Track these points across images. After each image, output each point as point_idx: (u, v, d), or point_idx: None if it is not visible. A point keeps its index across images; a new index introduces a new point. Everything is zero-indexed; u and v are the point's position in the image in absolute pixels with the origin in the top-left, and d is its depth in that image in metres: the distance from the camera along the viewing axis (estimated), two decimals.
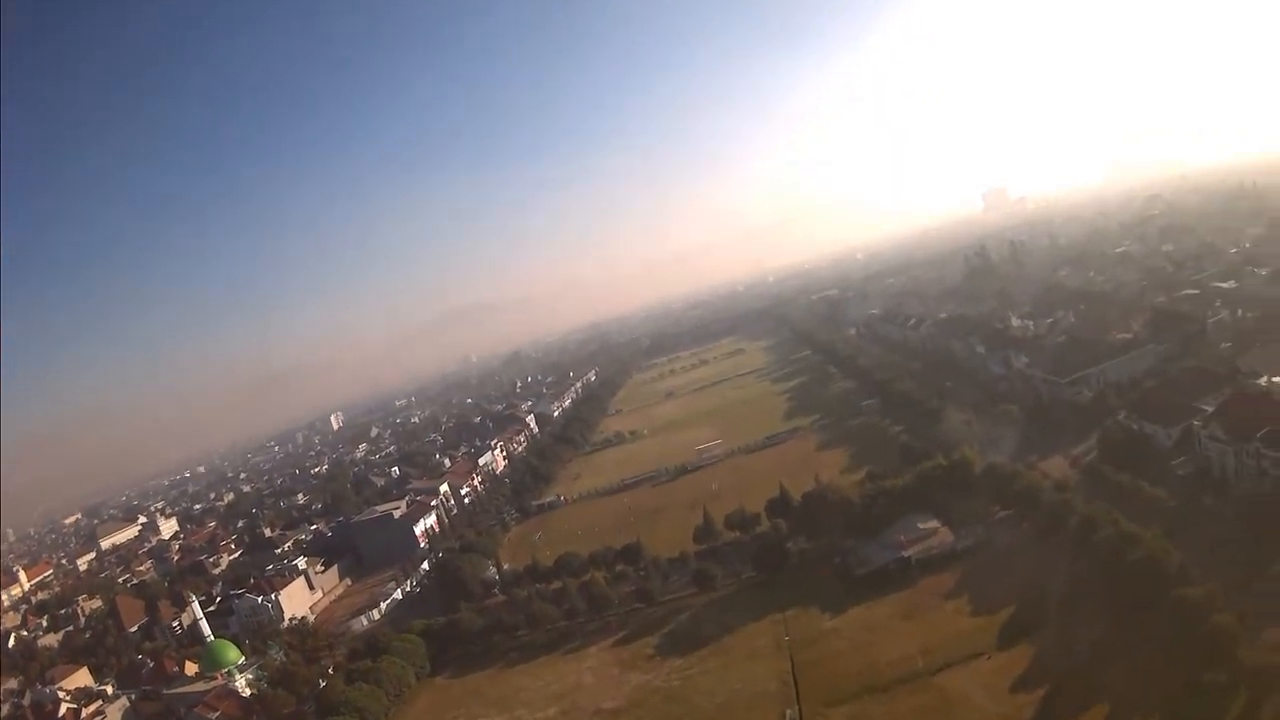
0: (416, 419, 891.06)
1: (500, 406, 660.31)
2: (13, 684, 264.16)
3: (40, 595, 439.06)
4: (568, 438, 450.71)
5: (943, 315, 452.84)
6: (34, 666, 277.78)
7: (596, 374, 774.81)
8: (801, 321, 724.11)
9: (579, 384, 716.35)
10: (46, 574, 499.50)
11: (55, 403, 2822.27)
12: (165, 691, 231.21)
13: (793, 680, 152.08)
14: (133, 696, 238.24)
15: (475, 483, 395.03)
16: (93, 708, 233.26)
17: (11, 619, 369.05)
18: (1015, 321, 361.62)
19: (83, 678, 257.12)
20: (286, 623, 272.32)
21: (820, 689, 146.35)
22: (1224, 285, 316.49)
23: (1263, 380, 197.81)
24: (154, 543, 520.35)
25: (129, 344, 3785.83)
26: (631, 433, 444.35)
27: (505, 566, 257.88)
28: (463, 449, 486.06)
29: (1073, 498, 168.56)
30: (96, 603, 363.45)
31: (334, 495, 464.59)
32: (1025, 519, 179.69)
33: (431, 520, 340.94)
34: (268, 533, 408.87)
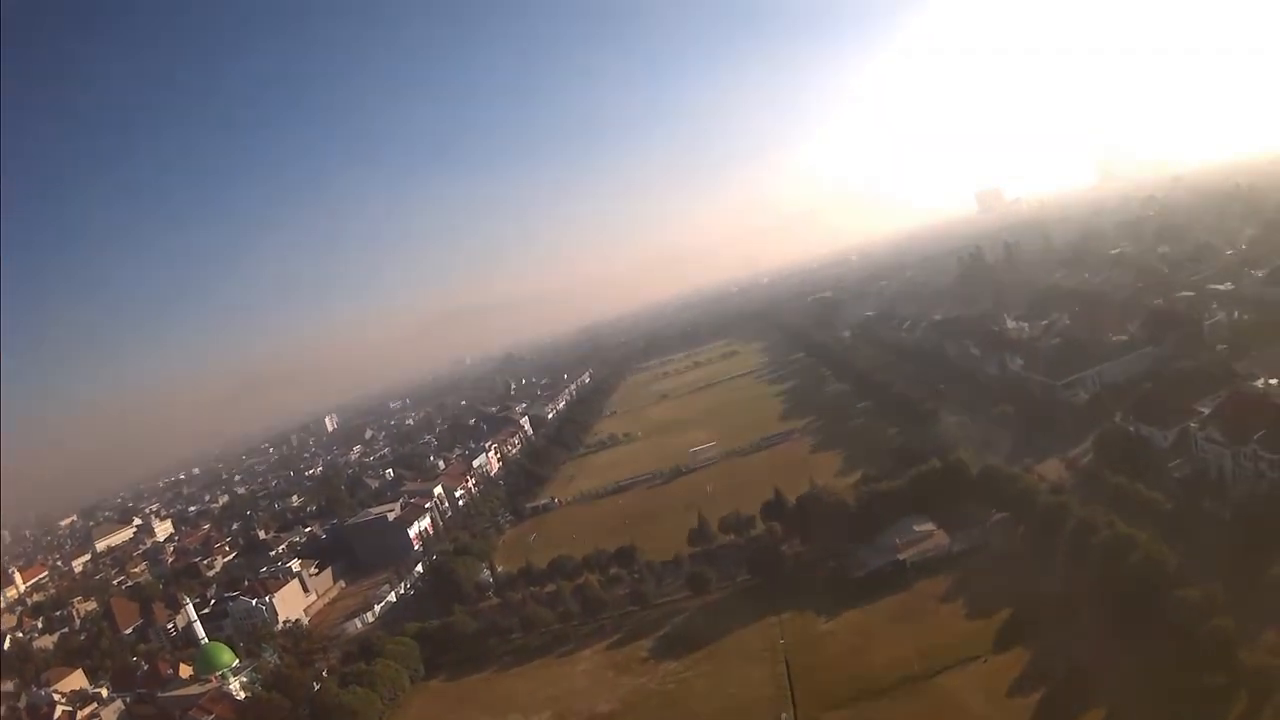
0: (411, 421, 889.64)
1: (494, 408, 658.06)
2: (9, 686, 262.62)
3: (35, 597, 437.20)
4: (562, 440, 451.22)
5: (937, 317, 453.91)
6: (29, 669, 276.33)
7: (591, 376, 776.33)
8: (796, 323, 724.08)
9: (573, 386, 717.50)
10: (42, 575, 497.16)
11: (51, 403, 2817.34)
12: (160, 694, 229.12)
13: (788, 684, 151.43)
14: (127, 699, 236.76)
15: (469, 485, 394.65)
16: (87, 711, 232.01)
17: (7, 620, 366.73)
18: (1010, 323, 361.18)
19: (78, 680, 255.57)
20: (281, 625, 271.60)
21: (816, 693, 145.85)
22: (1220, 287, 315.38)
23: (1259, 382, 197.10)
24: (149, 545, 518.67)
25: (125, 344, 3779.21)
26: (626, 435, 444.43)
27: (499, 569, 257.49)
28: (457, 451, 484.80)
29: (1069, 500, 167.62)
30: (91, 605, 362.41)
31: (328, 497, 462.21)
32: (1021, 522, 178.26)
33: (426, 523, 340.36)
34: (262, 535, 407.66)
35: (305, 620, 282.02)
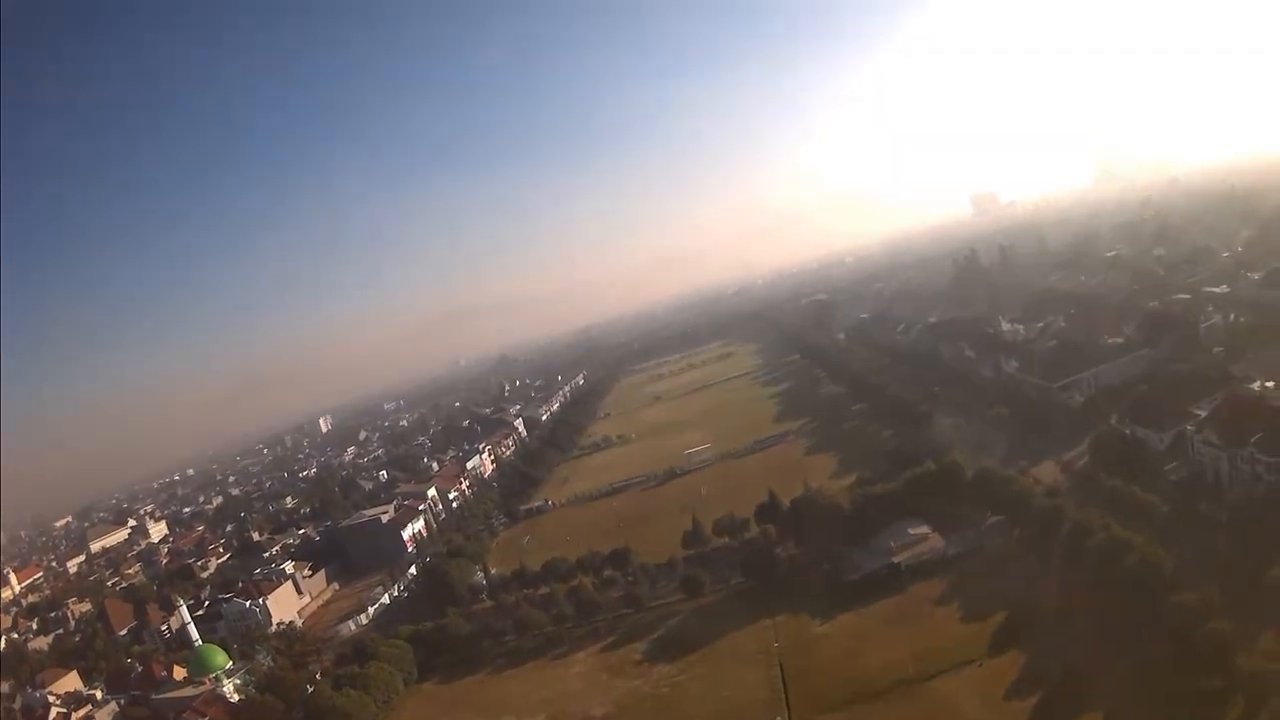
0: (405, 422, 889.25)
1: (488, 410, 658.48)
2: (4, 688, 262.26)
3: (30, 598, 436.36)
4: (556, 442, 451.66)
5: (932, 319, 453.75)
6: (24, 670, 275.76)
7: (585, 377, 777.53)
8: (790, 325, 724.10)
9: (567, 387, 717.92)
10: (37, 576, 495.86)
11: (47, 403, 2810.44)
12: (154, 696, 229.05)
13: (782, 687, 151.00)
14: (122, 701, 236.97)
15: (463, 487, 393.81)
16: (82, 712, 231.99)
17: (3, 621, 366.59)
18: (1005, 326, 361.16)
19: (72, 681, 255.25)
20: (274, 627, 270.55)
21: (810, 696, 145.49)
22: (1216, 289, 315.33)
23: (1256, 385, 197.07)
24: (143, 546, 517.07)
25: (122, 345, 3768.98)
26: (620, 437, 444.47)
27: (493, 571, 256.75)
28: (451, 453, 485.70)
29: (1064, 503, 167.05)
30: (86, 606, 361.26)
31: (322, 499, 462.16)
32: (1017, 525, 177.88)
33: (419, 525, 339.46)
34: (256, 537, 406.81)
35: (299, 622, 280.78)
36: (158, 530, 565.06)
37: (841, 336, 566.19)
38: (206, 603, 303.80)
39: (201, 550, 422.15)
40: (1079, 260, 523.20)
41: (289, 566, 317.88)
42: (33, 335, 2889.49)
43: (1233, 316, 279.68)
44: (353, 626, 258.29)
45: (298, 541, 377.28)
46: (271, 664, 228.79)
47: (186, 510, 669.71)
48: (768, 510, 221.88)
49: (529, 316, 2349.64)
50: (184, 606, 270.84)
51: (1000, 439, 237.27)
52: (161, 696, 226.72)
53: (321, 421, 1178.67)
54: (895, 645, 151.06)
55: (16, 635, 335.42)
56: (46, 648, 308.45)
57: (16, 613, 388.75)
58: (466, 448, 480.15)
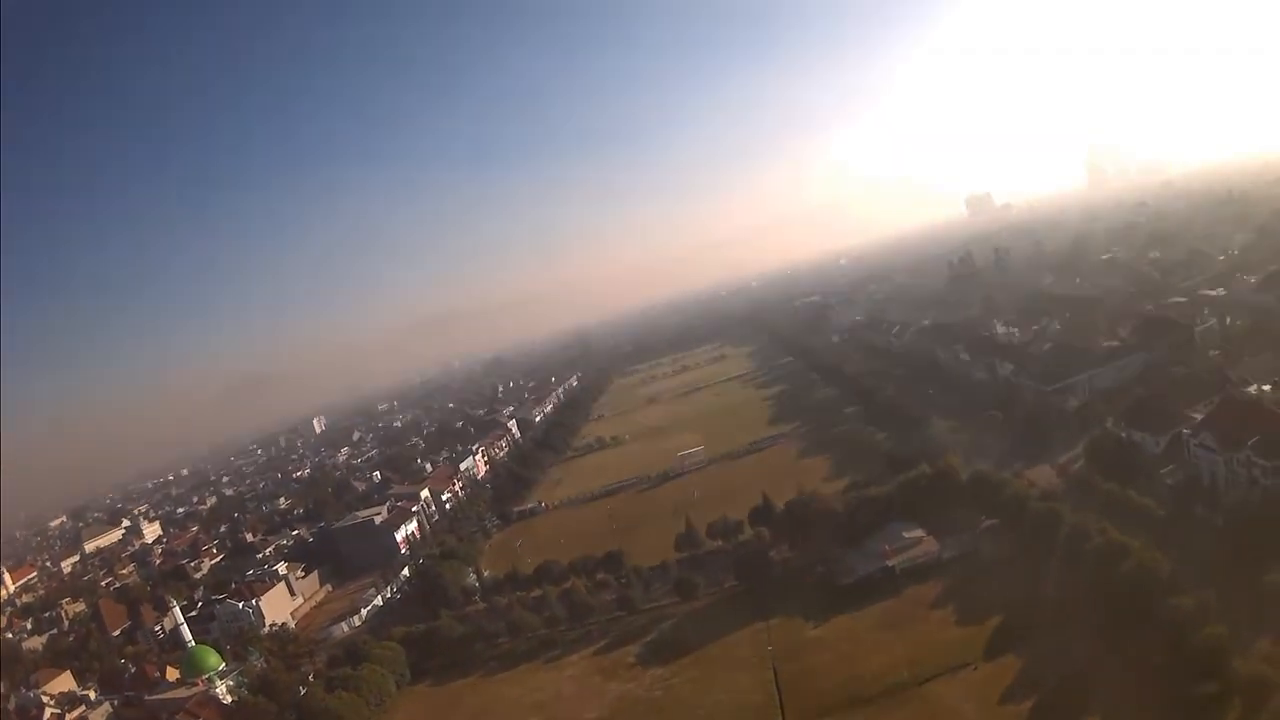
0: (399, 423, 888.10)
1: (482, 411, 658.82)
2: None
3: (25, 598, 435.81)
4: (549, 443, 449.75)
5: (926, 322, 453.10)
6: (19, 670, 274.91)
7: (579, 379, 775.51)
8: (784, 327, 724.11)
9: (561, 389, 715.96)
10: (31, 576, 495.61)
11: (41, 403, 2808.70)
12: (147, 698, 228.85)
13: (776, 691, 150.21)
14: (115, 702, 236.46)
15: (456, 488, 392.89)
16: (76, 713, 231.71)
17: None
18: (1000, 328, 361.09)
19: (66, 682, 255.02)
20: (267, 629, 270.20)
21: (805, 700, 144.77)
22: (1212, 293, 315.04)
23: (1252, 389, 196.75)
24: (137, 546, 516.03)
25: (115, 345, 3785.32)
26: (613, 438, 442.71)
27: (486, 573, 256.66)
28: (444, 454, 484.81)
29: (1060, 507, 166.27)
30: (80, 606, 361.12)
31: (315, 500, 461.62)
32: (1011, 528, 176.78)
33: (413, 526, 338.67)
34: (249, 537, 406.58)
35: (291, 624, 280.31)
36: (152, 531, 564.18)
37: (836, 339, 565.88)
38: (200, 604, 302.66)
39: (195, 551, 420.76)
40: (1074, 262, 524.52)
41: (282, 568, 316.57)
42: (28, 335, 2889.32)
43: (1229, 320, 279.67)
44: (345, 628, 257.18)
45: (291, 543, 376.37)
46: (264, 665, 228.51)
47: (180, 511, 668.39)
48: (761, 513, 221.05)
49: (523, 317, 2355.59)
50: (177, 607, 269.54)
51: (995, 442, 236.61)
52: (155, 697, 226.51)
53: (315, 422, 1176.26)
54: (890, 649, 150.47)
55: (11, 635, 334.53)
56: (41, 648, 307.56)
57: (11, 612, 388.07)
58: (459, 449, 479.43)
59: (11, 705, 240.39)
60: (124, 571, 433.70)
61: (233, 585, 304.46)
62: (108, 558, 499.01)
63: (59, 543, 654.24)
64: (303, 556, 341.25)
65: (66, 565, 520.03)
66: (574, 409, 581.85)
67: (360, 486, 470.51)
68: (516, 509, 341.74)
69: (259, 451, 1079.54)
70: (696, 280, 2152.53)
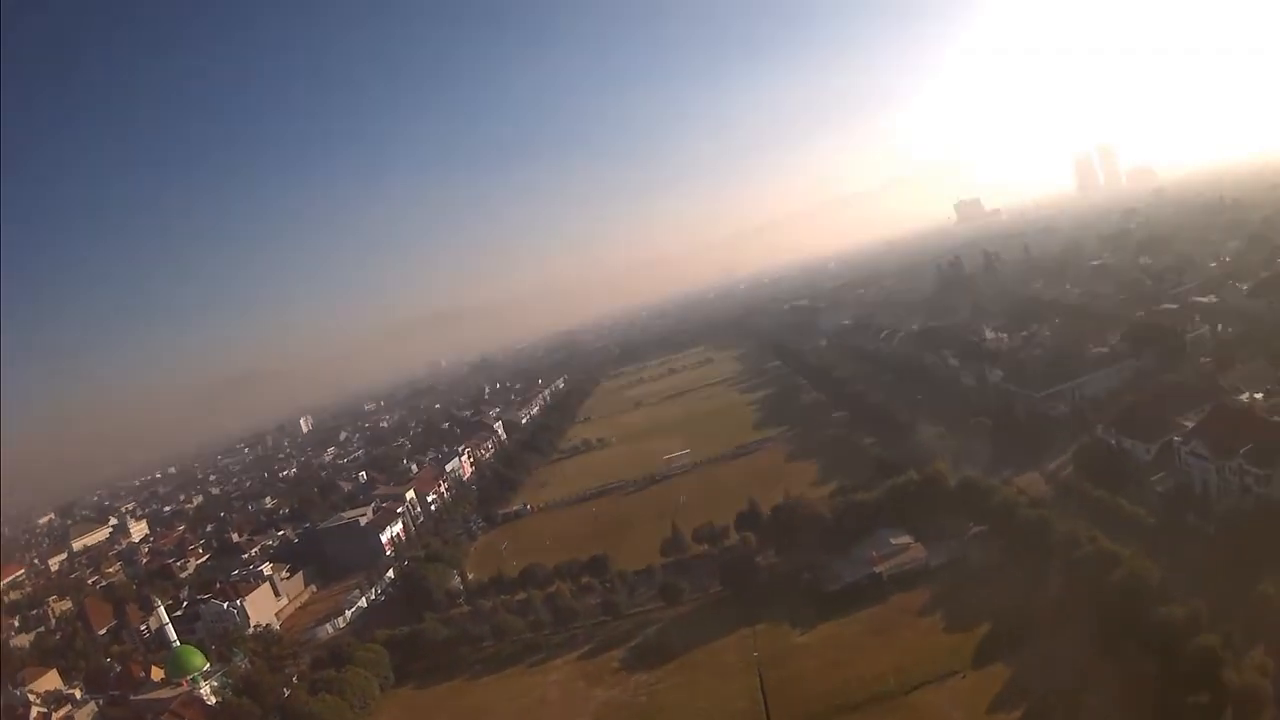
0: (385, 423, 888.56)
1: (468, 412, 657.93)
2: None
3: (12, 595, 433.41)
4: (535, 445, 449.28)
5: (915, 327, 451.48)
6: (6, 668, 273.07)
7: (565, 381, 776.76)
8: (772, 331, 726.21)
9: (548, 391, 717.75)
10: (18, 574, 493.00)
11: (31, 400, 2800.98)
12: (132, 697, 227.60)
13: (762, 697, 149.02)
14: (100, 701, 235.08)
15: (442, 490, 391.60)
16: (62, 712, 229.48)
17: None
18: (989, 334, 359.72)
19: (52, 680, 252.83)
20: (252, 629, 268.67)
21: (790, 707, 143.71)
22: (1204, 299, 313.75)
23: (1244, 396, 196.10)
24: (124, 545, 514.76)
25: (104, 343, 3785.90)
26: (600, 441, 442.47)
27: (471, 576, 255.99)
28: (430, 455, 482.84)
29: (1049, 514, 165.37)
30: (67, 604, 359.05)
31: (301, 500, 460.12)
32: (1000, 535, 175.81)
33: (398, 528, 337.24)
34: (235, 537, 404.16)
35: (276, 624, 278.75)
36: (138, 529, 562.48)
37: (823, 343, 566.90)
38: (185, 603, 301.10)
39: (181, 550, 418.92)
40: (1064, 268, 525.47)
41: (267, 568, 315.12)
42: (16, 333, 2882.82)
43: (1220, 327, 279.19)
44: (330, 629, 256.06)
45: (276, 543, 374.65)
46: (248, 666, 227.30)
47: (167, 509, 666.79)
48: (748, 518, 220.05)
49: (510, 319, 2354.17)
50: (162, 607, 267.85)
51: (984, 448, 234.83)
52: (140, 697, 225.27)
53: (302, 421, 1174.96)
54: (877, 656, 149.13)
55: None
56: (27, 645, 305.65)
57: None
58: (445, 450, 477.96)
59: (0, 703, 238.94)
60: (111, 570, 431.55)
61: (218, 585, 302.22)
62: (95, 556, 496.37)
63: (47, 540, 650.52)
64: (288, 557, 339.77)
65: (54, 563, 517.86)
66: (560, 411, 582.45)
67: (346, 487, 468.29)
68: (502, 511, 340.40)
69: (246, 450, 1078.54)
70: (683, 284, 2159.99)
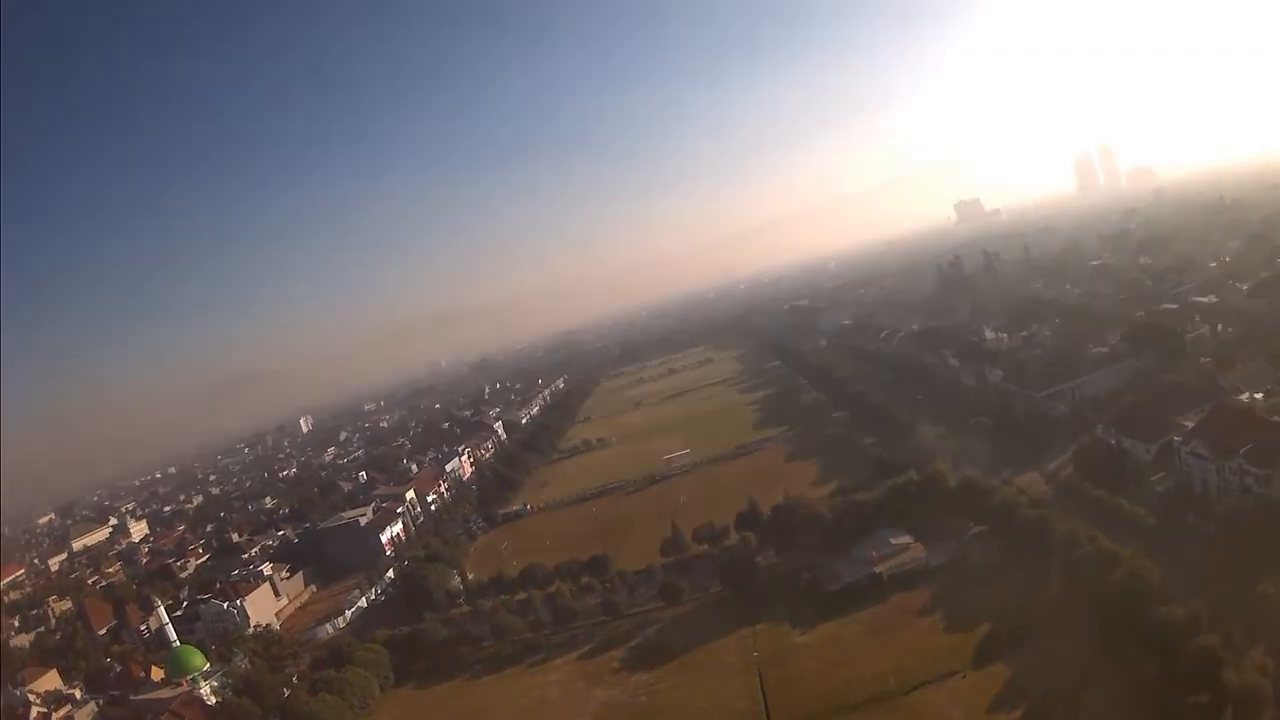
0: (385, 423, 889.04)
1: (468, 412, 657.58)
2: None
3: (12, 595, 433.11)
4: (535, 445, 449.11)
5: (915, 327, 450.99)
6: (6, 668, 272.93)
7: (565, 381, 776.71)
8: (772, 331, 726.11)
9: (548, 391, 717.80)
10: (19, 573, 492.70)
11: (29, 401, 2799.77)
12: (132, 698, 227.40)
13: (762, 698, 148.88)
14: (100, 701, 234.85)
15: (442, 490, 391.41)
16: (62, 712, 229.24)
17: None
18: (989, 334, 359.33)
19: (52, 680, 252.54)
20: (252, 629, 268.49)
21: (790, 707, 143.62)
22: (1204, 300, 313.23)
23: (1244, 396, 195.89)
24: (124, 545, 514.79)
25: (105, 343, 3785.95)
26: (600, 441, 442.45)
27: (471, 576, 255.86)
28: (430, 455, 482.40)
29: (1049, 514, 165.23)
30: (67, 604, 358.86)
31: (301, 500, 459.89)
32: (1000, 535, 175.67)
33: (398, 528, 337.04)
34: (235, 537, 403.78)
35: (276, 624, 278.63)
36: (138, 529, 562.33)
37: (823, 343, 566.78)
38: (185, 603, 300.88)
39: (181, 550, 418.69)
40: (1064, 268, 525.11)
41: (267, 568, 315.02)
42: (17, 332, 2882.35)
43: (1220, 327, 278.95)
44: (330, 629, 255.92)
45: (276, 543, 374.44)
46: (248, 666, 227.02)
47: (167, 509, 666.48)
48: (748, 518, 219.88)
49: (511, 319, 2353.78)
50: (162, 607, 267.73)
51: (984, 448, 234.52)
52: (140, 697, 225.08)
53: (302, 421, 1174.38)
54: (877, 656, 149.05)
55: None
56: (28, 645, 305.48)
57: None
58: (445, 450, 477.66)
59: (1, 703, 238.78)
60: (111, 570, 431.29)
61: (218, 585, 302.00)
62: (95, 556, 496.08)
63: (47, 540, 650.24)
64: (288, 557, 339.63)
65: (54, 563, 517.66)
66: (560, 411, 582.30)
67: (346, 487, 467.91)
68: (502, 511, 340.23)
69: (246, 450, 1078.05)
70: (684, 284, 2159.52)
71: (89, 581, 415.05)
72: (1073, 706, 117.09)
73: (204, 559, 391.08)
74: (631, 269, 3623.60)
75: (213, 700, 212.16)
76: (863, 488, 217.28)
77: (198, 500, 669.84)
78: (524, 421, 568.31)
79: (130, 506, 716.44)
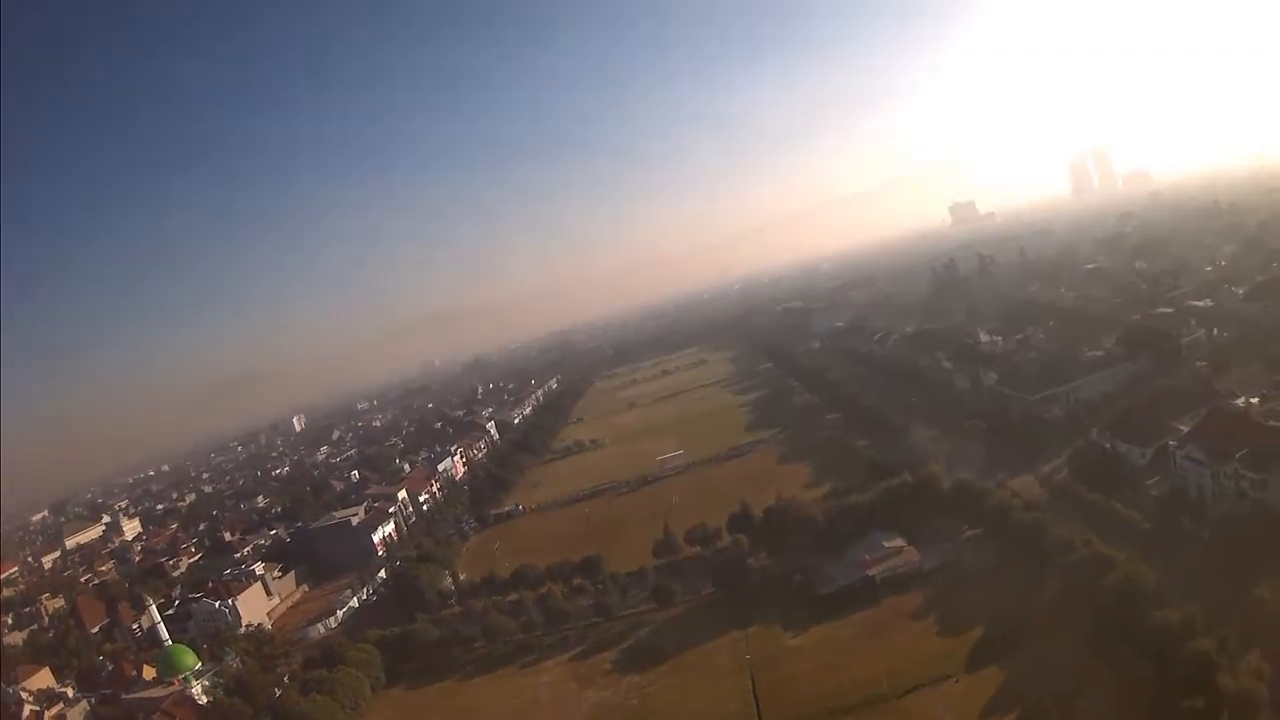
0: (378, 422, 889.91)
1: (461, 412, 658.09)
2: None
3: (5, 593, 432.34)
4: (528, 445, 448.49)
5: (909, 329, 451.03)
6: (1, 666, 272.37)
7: (559, 382, 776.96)
8: (766, 332, 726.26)
9: (541, 391, 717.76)
10: (12, 571, 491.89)
11: (25, 400, 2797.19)
12: (124, 696, 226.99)
13: (754, 700, 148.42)
14: (93, 700, 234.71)
15: (434, 489, 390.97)
16: (54, 710, 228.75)
17: None
18: (984, 337, 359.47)
19: (45, 678, 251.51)
20: (243, 629, 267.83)
21: (783, 709, 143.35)
22: (1199, 304, 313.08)
23: (1240, 401, 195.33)
24: (117, 543, 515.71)
25: (99, 342, 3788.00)
26: (592, 441, 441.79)
27: (463, 577, 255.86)
28: (423, 454, 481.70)
29: (1044, 517, 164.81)
30: (60, 602, 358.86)
31: (294, 499, 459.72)
32: (994, 538, 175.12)
33: (390, 528, 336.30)
34: (227, 536, 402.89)
35: (268, 624, 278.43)
36: (131, 527, 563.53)
37: (817, 345, 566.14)
38: (177, 602, 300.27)
39: (174, 549, 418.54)
40: (1059, 272, 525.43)
41: (259, 567, 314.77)
42: (19, 333, 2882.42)
43: (1216, 331, 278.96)
44: (321, 629, 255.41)
45: (268, 542, 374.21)
46: (240, 666, 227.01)
47: (160, 507, 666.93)
48: (740, 520, 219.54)
49: (504, 320, 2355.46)
50: (154, 606, 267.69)
51: (978, 451, 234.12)
52: (131, 696, 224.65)
53: (295, 420, 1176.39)
54: (870, 660, 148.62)
55: None
56: (20, 643, 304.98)
57: None
58: (438, 450, 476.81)
59: None
60: (103, 568, 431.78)
61: (210, 584, 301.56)
62: (88, 554, 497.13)
63: (40, 538, 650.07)
64: (280, 556, 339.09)
65: (47, 561, 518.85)
66: (553, 412, 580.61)
67: (338, 486, 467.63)
68: (494, 511, 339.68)
69: (239, 449, 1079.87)
70: (682, 284, 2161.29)
71: (82, 579, 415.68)
72: (1067, 711, 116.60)
73: (196, 558, 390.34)
74: (631, 269, 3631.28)
75: (204, 699, 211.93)
76: (856, 490, 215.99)
77: (190, 499, 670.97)
78: (517, 422, 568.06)
79: (123, 504, 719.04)
